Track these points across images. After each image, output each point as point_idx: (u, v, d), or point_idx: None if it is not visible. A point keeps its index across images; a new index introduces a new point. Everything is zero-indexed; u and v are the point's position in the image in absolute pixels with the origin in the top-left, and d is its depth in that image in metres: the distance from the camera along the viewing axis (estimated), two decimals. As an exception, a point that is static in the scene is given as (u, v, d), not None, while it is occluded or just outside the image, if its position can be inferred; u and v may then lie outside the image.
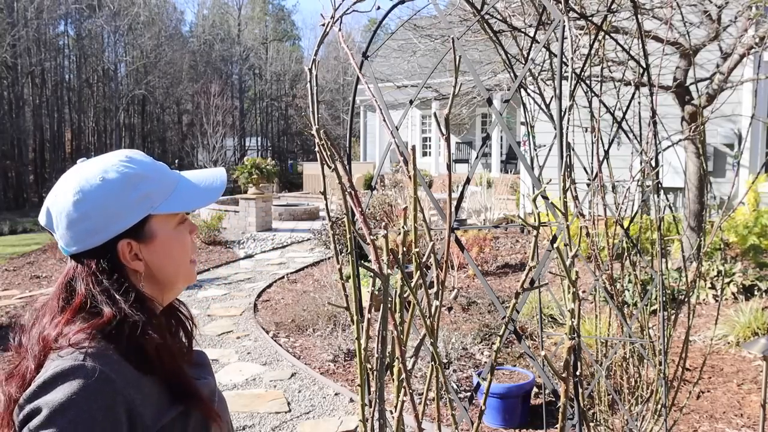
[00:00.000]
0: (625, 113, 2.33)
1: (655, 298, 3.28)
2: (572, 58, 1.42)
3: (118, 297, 0.94)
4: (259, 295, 7.44)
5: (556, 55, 1.35)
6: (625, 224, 2.50)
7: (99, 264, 0.96)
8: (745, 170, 8.91)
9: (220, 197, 1.13)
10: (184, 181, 1.07)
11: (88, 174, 0.97)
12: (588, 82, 2.45)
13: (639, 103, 2.52)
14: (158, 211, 1.00)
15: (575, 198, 2.44)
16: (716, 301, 5.98)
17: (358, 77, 1.23)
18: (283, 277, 8.36)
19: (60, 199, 0.97)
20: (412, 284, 0.82)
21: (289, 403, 4.28)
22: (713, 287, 6.12)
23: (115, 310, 0.93)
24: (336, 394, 4.41)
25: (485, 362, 4.64)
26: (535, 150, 2.79)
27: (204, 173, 1.11)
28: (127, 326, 0.93)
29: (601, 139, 2.43)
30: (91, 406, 0.83)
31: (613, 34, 4.51)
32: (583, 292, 5.55)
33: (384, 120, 1.16)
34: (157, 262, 1.01)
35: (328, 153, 0.93)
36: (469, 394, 4.11)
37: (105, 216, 0.95)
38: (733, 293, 5.95)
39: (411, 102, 1.88)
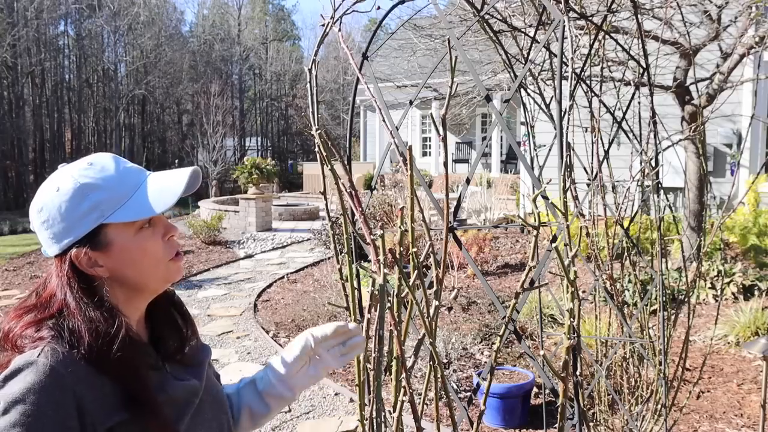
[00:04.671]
0: (625, 113, 2.33)
1: (655, 298, 3.28)
2: (572, 58, 1.42)
3: (73, 295, 0.98)
4: (259, 295, 7.43)
5: (556, 55, 1.35)
6: (625, 224, 2.50)
7: (64, 267, 1.00)
8: (745, 170, 8.91)
9: (184, 196, 1.07)
10: (145, 188, 1.03)
11: (50, 182, 1.02)
12: (588, 82, 2.45)
13: (639, 103, 2.52)
14: (110, 220, 1.00)
15: (575, 198, 2.44)
16: (716, 301, 5.98)
17: (358, 77, 1.23)
18: (283, 277, 8.36)
19: (31, 206, 1.04)
20: (410, 284, 0.82)
21: (289, 403, 4.29)
22: (713, 287, 6.12)
23: (72, 304, 0.97)
24: (336, 394, 4.41)
25: (485, 362, 4.64)
26: (535, 150, 2.79)
27: (170, 176, 1.06)
28: (84, 326, 0.95)
29: (601, 139, 2.43)
30: (41, 400, 0.88)
31: (613, 34, 4.51)
32: (583, 292, 5.54)
33: (384, 120, 1.16)
34: (120, 268, 1.01)
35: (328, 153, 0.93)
36: (469, 394, 4.11)
37: (60, 225, 1.00)
38: (733, 293, 5.95)
39: (411, 102, 1.88)
